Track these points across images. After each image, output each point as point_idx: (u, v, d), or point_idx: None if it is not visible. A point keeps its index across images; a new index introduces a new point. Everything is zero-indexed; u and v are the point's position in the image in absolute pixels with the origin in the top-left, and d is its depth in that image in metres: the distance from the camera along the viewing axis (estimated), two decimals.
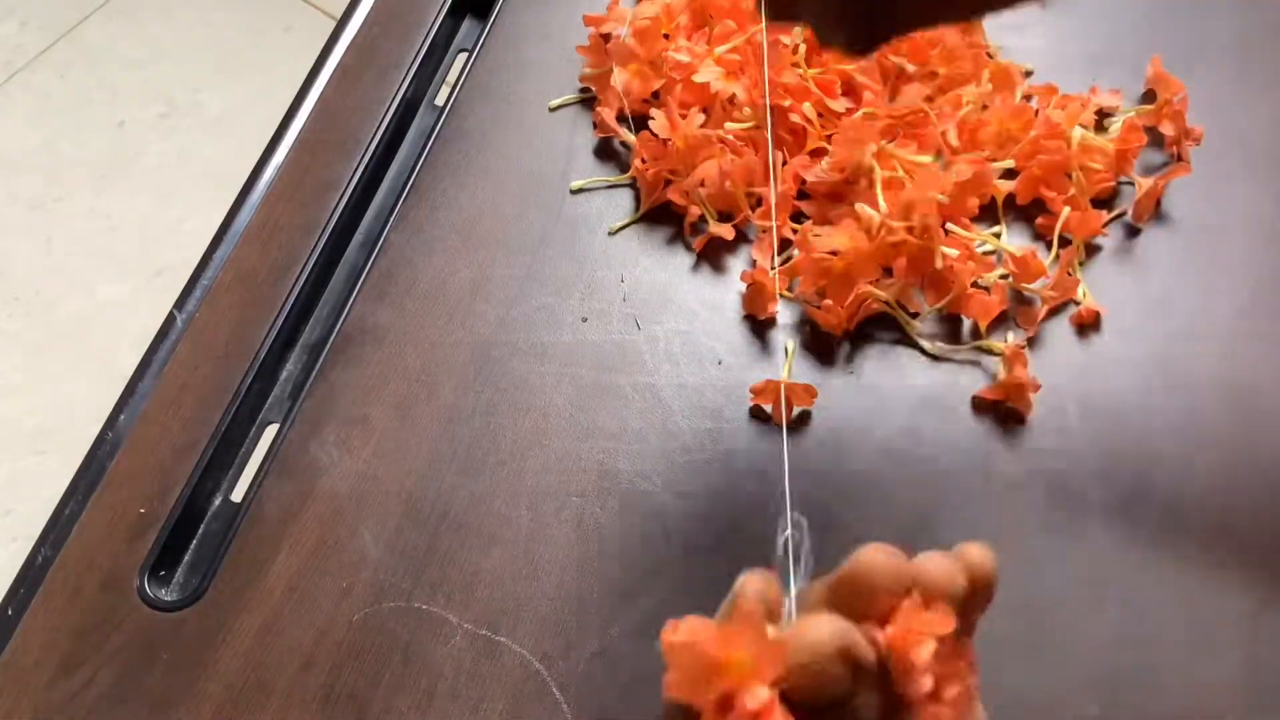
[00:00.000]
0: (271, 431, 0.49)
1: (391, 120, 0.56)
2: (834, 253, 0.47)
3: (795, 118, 0.51)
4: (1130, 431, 0.47)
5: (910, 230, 0.47)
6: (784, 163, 0.51)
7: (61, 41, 1.55)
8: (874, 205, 0.48)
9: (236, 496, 0.47)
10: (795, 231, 0.50)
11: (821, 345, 0.49)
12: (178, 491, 0.46)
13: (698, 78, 0.51)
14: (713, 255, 0.52)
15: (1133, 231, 0.52)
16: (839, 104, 0.51)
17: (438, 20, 0.59)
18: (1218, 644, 0.42)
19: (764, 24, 0.49)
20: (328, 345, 0.50)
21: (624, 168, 0.54)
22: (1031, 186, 0.51)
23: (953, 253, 0.48)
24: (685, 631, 0.24)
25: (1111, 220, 0.52)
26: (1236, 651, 0.42)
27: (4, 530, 1.18)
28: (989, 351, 0.48)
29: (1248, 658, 0.42)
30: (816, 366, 0.49)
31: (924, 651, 0.25)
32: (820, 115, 0.51)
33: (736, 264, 0.51)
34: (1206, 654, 0.42)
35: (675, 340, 0.50)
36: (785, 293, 0.50)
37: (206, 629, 0.44)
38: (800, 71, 0.51)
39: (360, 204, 0.55)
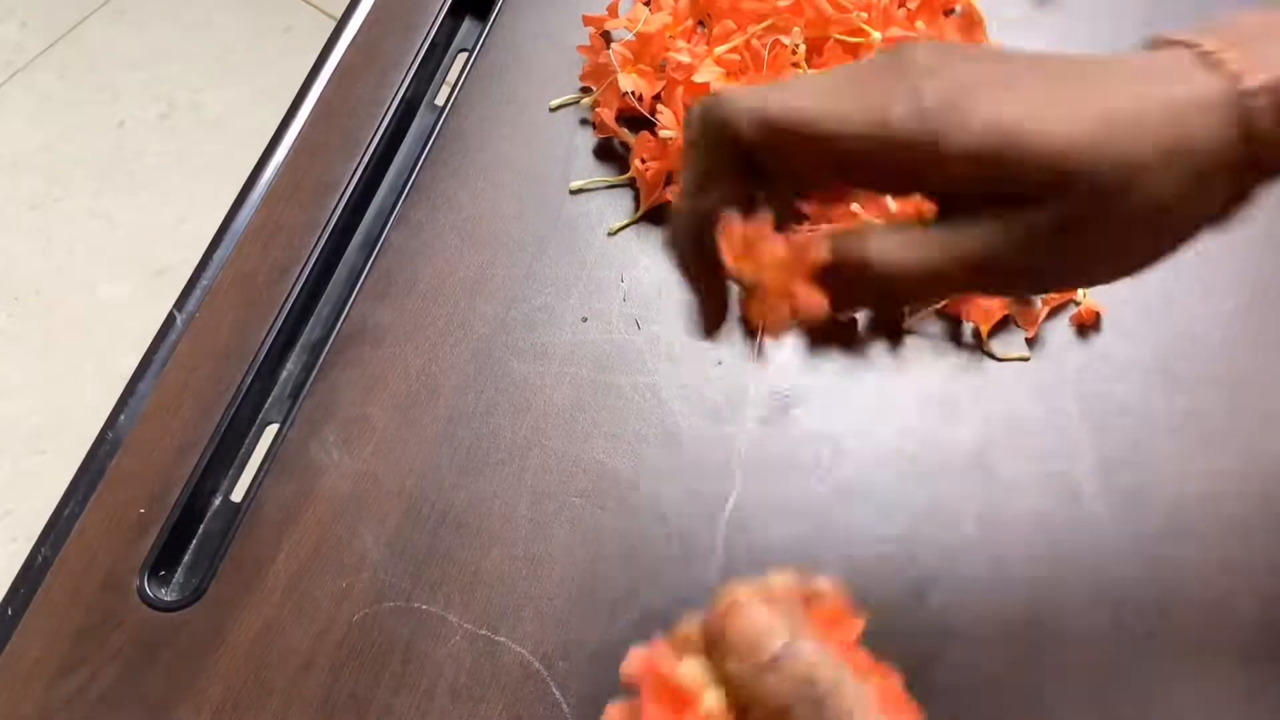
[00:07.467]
0: (271, 431, 0.49)
1: (391, 120, 0.56)
2: None
3: None
4: (1130, 431, 0.47)
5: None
6: None
7: (61, 41, 1.55)
8: (874, 205, 0.48)
9: (236, 496, 0.47)
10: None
11: (820, 345, 0.49)
12: (178, 491, 0.46)
13: (698, 78, 0.51)
14: None
15: None
16: None
17: (438, 20, 0.59)
18: (1219, 641, 0.42)
19: None
20: (328, 345, 0.50)
21: (624, 168, 0.54)
22: None
23: None
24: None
25: None
26: (1241, 650, 0.42)
27: (4, 530, 1.18)
28: (991, 355, 0.48)
29: (1249, 650, 0.42)
30: (815, 366, 0.49)
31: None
32: None
33: None
34: (1210, 653, 0.42)
35: (675, 340, 0.50)
36: None
37: (206, 629, 0.44)
38: (800, 72, 0.51)
39: (360, 204, 0.55)
